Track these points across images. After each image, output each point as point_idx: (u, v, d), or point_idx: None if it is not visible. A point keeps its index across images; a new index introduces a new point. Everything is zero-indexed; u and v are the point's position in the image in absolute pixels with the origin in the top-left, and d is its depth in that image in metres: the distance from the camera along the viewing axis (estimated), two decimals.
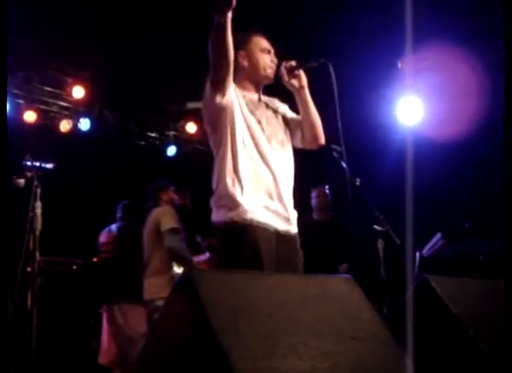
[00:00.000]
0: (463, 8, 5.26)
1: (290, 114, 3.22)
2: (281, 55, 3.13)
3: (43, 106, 6.99)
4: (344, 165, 3.80)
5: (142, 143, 8.07)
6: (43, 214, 3.85)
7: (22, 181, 3.90)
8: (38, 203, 3.85)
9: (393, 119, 6.60)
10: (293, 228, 3.00)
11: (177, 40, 6.04)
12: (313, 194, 5.83)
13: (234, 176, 2.88)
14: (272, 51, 3.11)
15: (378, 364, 1.97)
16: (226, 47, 2.72)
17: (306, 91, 3.08)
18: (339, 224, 5.70)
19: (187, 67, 6.47)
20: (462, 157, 6.05)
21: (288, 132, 3.14)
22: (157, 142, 8.15)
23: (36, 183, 3.89)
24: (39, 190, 3.88)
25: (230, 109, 2.92)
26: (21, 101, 6.74)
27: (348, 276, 2.28)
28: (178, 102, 7.69)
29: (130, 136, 7.86)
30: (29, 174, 3.92)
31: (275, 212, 2.91)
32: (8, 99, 6.26)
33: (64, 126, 7.13)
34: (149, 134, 8.08)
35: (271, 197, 2.92)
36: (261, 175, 2.92)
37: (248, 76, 3.08)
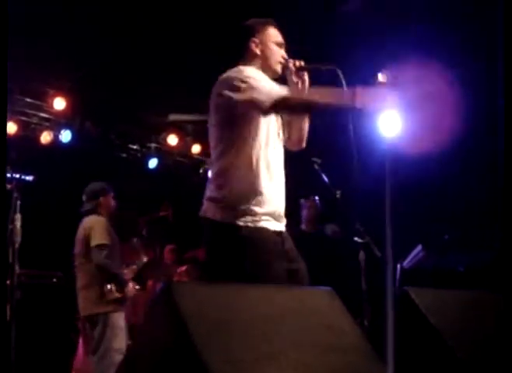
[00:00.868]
0: (445, 21, 5.34)
1: None
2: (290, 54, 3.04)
3: (23, 118, 6.96)
4: (324, 177, 3.82)
5: (124, 155, 8.06)
6: (22, 226, 3.81)
7: None
8: (18, 216, 3.81)
9: (375, 131, 6.64)
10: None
11: (160, 52, 6.06)
12: (305, 205, 5.85)
13: (253, 179, 2.77)
14: (284, 46, 3.01)
15: None
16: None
17: (305, 93, 3.00)
18: (327, 237, 5.73)
19: (170, 80, 6.49)
20: (442, 169, 6.10)
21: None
22: (139, 154, 8.16)
23: (15, 194, 3.85)
24: (19, 202, 3.84)
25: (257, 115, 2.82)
26: None
27: (328, 288, 2.29)
28: (160, 115, 7.69)
29: (111, 148, 7.84)
30: (8, 186, 3.88)
31: (278, 217, 2.86)
32: None
33: (45, 137, 7.10)
34: (131, 146, 8.08)
35: (278, 198, 2.86)
36: (274, 179, 2.85)
37: (258, 65, 2.95)
